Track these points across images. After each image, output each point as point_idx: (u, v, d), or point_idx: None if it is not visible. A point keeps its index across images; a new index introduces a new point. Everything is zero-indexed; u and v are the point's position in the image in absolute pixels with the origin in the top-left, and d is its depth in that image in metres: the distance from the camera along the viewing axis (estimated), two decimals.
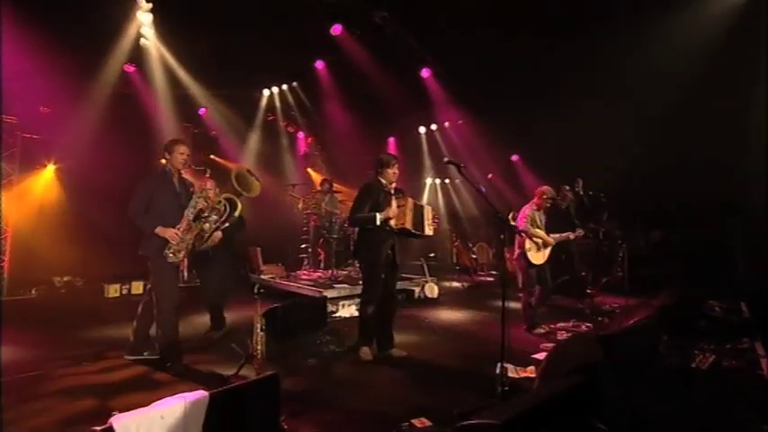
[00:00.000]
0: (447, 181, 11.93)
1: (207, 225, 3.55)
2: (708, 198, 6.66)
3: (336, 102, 8.46)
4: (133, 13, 5.50)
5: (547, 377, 2.56)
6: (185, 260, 6.62)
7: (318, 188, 7.46)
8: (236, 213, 3.83)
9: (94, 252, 6.49)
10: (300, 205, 7.22)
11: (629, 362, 2.75)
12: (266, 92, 8.80)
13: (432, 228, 3.79)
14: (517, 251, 4.66)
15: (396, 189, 3.80)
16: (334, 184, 7.30)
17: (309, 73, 7.86)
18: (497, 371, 2.88)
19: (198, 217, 3.42)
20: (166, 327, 3.32)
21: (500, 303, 2.84)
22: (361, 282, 4.10)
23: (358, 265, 5.48)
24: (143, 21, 5.59)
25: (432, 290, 6.54)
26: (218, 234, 3.77)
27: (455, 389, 3.08)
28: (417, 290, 6.49)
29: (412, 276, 6.81)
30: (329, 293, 5.43)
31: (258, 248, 7.36)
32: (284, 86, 8.66)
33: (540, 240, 4.60)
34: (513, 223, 4.75)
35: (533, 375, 3.16)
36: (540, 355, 3.69)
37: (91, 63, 6.05)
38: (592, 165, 6.46)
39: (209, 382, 2.91)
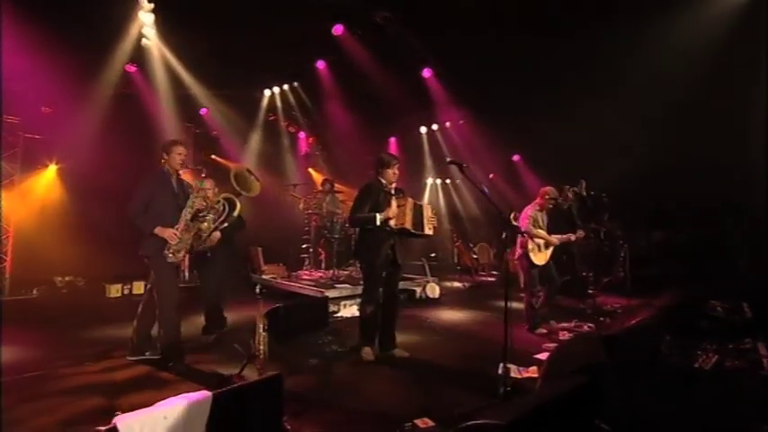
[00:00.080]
0: (448, 181, 11.93)
1: (205, 224, 3.55)
2: (709, 198, 6.66)
3: (337, 102, 8.45)
4: (135, 14, 5.49)
5: (549, 377, 2.56)
6: (186, 260, 6.69)
7: (320, 188, 7.46)
8: (235, 213, 3.80)
9: (96, 252, 6.49)
10: (302, 205, 7.22)
11: (631, 362, 2.74)
12: (267, 92, 8.79)
13: (431, 227, 3.78)
14: (519, 251, 4.66)
15: (396, 189, 3.80)
16: (336, 184, 7.30)
17: (310, 73, 7.85)
18: (500, 371, 2.88)
19: (195, 216, 3.43)
20: (168, 326, 3.33)
21: (501, 303, 2.84)
22: (362, 282, 4.10)
23: (359, 265, 5.48)
24: (145, 21, 5.59)
25: (433, 290, 6.54)
26: (217, 234, 3.76)
27: (457, 389, 3.08)
28: (419, 290, 6.49)
29: (413, 276, 6.81)
30: (331, 293, 5.44)
31: (259, 248, 7.37)
32: (285, 86, 8.65)
33: (541, 241, 4.60)
34: (514, 223, 4.74)
35: (536, 375, 3.16)
36: (542, 356, 3.68)
37: (92, 63, 6.05)
38: (593, 165, 6.45)
39: (211, 381, 2.91)
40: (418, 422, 2.46)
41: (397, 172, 3.74)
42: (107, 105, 6.56)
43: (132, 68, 6.71)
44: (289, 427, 2.31)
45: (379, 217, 3.57)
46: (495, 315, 5.52)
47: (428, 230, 3.76)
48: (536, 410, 1.83)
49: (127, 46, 5.94)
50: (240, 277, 6.99)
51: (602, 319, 4.92)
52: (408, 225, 3.62)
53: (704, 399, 2.84)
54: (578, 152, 7.16)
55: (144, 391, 2.95)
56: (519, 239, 4.67)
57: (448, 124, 9.99)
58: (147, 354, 3.55)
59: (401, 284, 4.68)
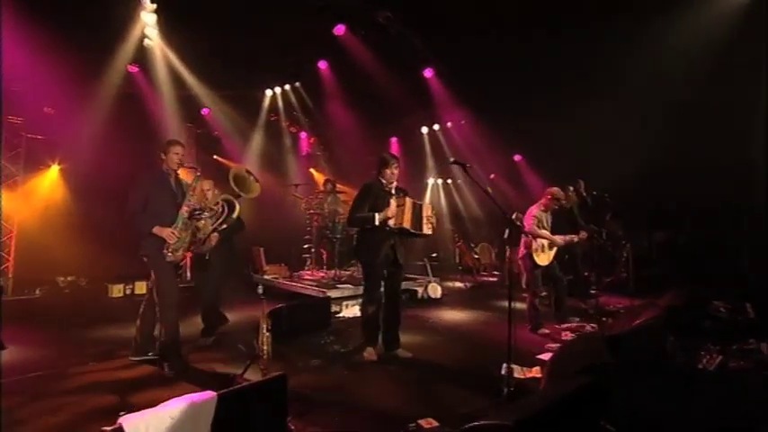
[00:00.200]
0: (449, 181, 11.92)
1: (202, 222, 3.55)
2: (709, 198, 6.66)
3: (339, 102, 8.45)
4: (137, 14, 5.49)
5: (553, 378, 2.55)
6: (188, 260, 6.69)
7: (321, 188, 7.46)
8: (235, 215, 3.80)
9: (98, 252, 6.50)
10: (303, 205, 7.22)
11: (635, 362, 2.74)
12: (269, 92, 8.79)
13: (429, 227, 3.76)
14: (523, 251, 4.66)
15: (397, 189, 3.80)
16: (337, 185, 7.30)
17: (312, 73, 7.85)
18: (503, 371, 2.88)
19: (192, 215, 3.44)
20: (168, 325, 3.34)
21: (503, 304, 2.85)
22: (362, 282, 4.11)
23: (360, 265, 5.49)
24: (147, 21, 5.59)
25: (435, 290, 6.54)
26: (215, 236, 3.75)
27: (460, 389, 3.07)
28: (420, 290, 6.49)
29: (415, 277, 6.82)
30: (332, 294, 5.44)
31: (261, 248, 7.37)
32: (287, 86, 8.65)
33: (545, 241, 4.59)
34: (517, 223, 4.74)
35: (539, 376, 3.16)
36: (545, 356, 3.68)
37: (95, 63, 6.06)
38: (595, 165, 6.46)
39: (215, 382, 2.91)
40: (422, 422, 2.46)
41: (395, 172, 3.74)
42: (109, 106, 6.56)
43: (134, 69, 6.71)
44: (293, 428, 2.31)
45: (377, 217, 3.57)
46: (497, 315, 5.51)
47: (426, 230, 3.75)
48: (541, 411, 1.82)
49: (129, 46, 5.93)
50: (241, 278, 6.99)
51: (604, 319, 4.91)
52: (407, 225, 3.62)
53: (708, 399, 2.83)
54: (579, 152, 7.16)
55: (148, 391, 2.96)
56: (523, 240, 4.66)
57: (449, 124, 9.98)
58: (150, 354, 3.55)
59: (403, 285, 4.68)
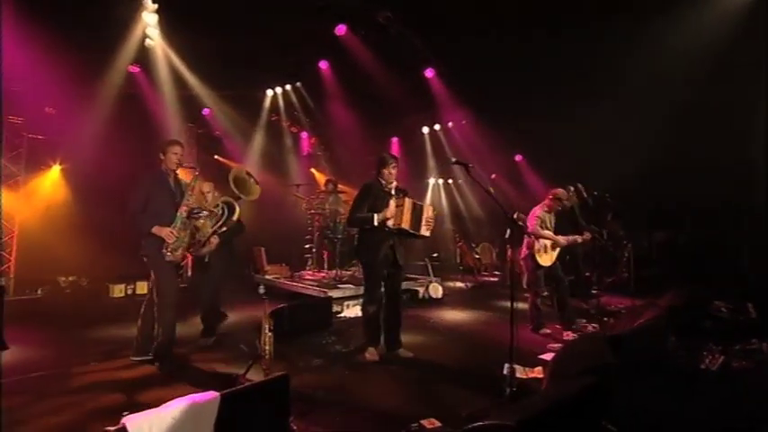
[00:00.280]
0: (450, 181, 11.92)
1: (200, 222, 3.56)
2: (709, 198, 6.65)
3: (340, 102, 8.44)
4: (138, 14, 5.50)
5: (555, 378, 2.55)
6: (189, 261, 6.69)
7: (323, 188, 7.46)
8: (235, 217, 3.81)
9: (99, 252, 6.50)
10: (304, 205, 7.22)
11: (638, 362, 2.74)
12: (270, 92, 8.79)
13: (427, 228, 3.74)
14: (525, 252, 4.66)
15: (398, 189, 3.80)
16: (338, 185, 7.31)
17: (313, 73, 7.86)
18: (505, 371, 2.88)
19: (191, 214, 3.44)
20: (165, 325, 3.36)
21: (504, 303, 2.85)
22: (363, 282, 4.11)
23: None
24: (148, 21, 5.59)
25: (436, 290, 6.55)
26: (215, 238, 3.76)
27: (462, 389, 3.07)
28: (421, 290, 6.49)
29: (416, 277, 6.82)
30: (334, 294, 5.44)
31: (262, 248, 7.37)
32: (288, 87, 8.66)
33: (548, 242, 4.58)
34: (519, 223, 4.74)
35: (541, 376, 3.16)
36: (547, 356, 3.68)
37: (96, 64, 6.05)
38: (595, 165, 6.46)
39: (216, 381, 2.92)
40: (425, 422, 2.46)
41: (393, 171, 3.73)
42: (110, 106, 6.56)
43: (135, 69, 6.71)
44: (295, 428, 2.31)
45: (376, 217, 3.58)
46: (499, 315, 5.51)
47: (424, 231, 3.73)
48: (543, 411, 1.82)
49: (130, 47, 5.93)
50: (242, 278, 7.00)
51: (605, 319, 4.91)
52: (406, 225, 3.61)
53: (711, 399, 2.83)
54: (579, 152, 7.16)
55: (150, 391, 2.96)
56: (525, 240, 4.66)
57: (450, 124, 9.98)
58: (150, 354, 3.54)
59: (404, 285, 4.68)
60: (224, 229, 3.74)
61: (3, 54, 4.75)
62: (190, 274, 7.37)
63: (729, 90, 5.77)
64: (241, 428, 1.96)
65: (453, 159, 3.38)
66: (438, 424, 2.46)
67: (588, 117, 6.76)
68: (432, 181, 11.85)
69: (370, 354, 3.70)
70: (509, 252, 7.57)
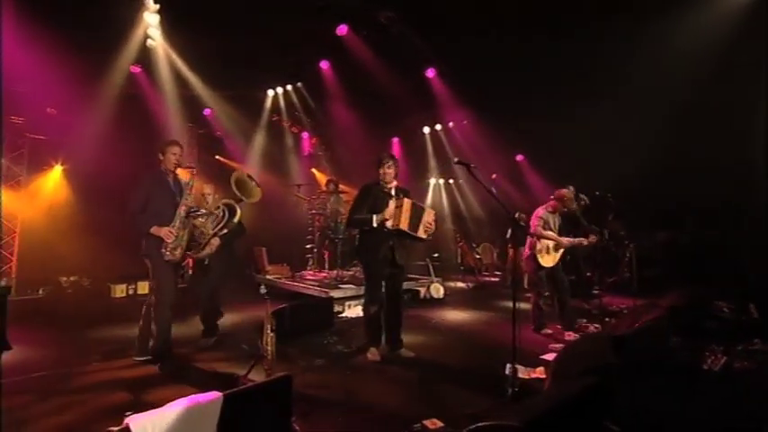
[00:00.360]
0: (451, 181, 11.92)
1: (199, 221, 3.56)
2: (709, 198, 6.64)
3: (340, 102, 8.44)
4: (140, 15, 5.50)
5: (557, 378, 2.55)
6: (191, 261, 6.70)
7: (324, 188, 7.47)
8: (236, 220, 3.82)
9: (101, 252, 6.52)
10: (306, 205, 7.22)
11: (640, 363, 2.74)
12: (271, 92, 8.80)
13: (426, 232, 3.72)
14: (527, 252, 4.65)
15: (398, 189, 3.80)
16: (340, 185, 7.31)
17: (314, 73, 7.86)
18: (507, 371, 2.88)
19: (189, 213, 3.45)
20: (161, 324, 3.37)
21: (505, 303, 2.85)
22: (364, 282, 4.11)
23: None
24: (150, 22, 5.60)
25: (437, 290, 6.55)
26: (216, 240, 3.77)
27: (464, 389, 3.07)
28: (423, 290, 6.49)
29: (417, 277, 6.82)
30: (335, 294, 5.44)
31: (263, 248, 7.38)
32: (289, 87, 8.66)
33: (550, 243, 4.57)
34: (521, 224, 4.74)
35: (543, 376, 3.16)
36: (549, 356, 3.68)
37: (97, 64, 6.07)
38: (595, 165, 6.45)
39: (218, 382, 2.92)
40: (427, 423, 2.46)
41: (388, 171, 3.72)
42: (112, 106, 6.57)
43: (137, 69, 6.72)
44: (297, 428, 2.31)
45: (375, 218, 3.58)
46: (500, 315, 5.52)
47: (422, 234, 3.71)
48: (546, 412, 1.82)
49: (132, 47, 5.94)
50: (242, 278, 7.00)
51: (607, 319, 4.91)
52: (404, 226, 3.59)
53: (713, 400, 2.83)
54: (579, 152, 7.16)
55: (153, 391, 2.96)
56: (528, 240, 4.66)
57: (451, 124, 9.98)
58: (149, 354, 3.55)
59: (405, 285, 4.68)
60: (225, 230, 3.75)
61: (4, 54, 4.76)
62: (191, 274, 7.38)
63: (729, 90, 5.77)
64: (244, 429, 1.96)
65: (456, 159, 3.36)
66: (440, 424, 2.45)
67: (588, 117, 6.76)
68: (433, 181, 11.85)
69: (372, 354, 3.70)
70: (510, 252, 7.58)
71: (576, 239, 4.67)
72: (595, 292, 5.80)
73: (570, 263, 5.99)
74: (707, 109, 6.00)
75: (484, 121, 8.95)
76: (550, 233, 4.58)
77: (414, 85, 7.76)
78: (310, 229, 7.26)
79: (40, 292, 6.53)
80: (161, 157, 3.50)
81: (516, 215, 5.33)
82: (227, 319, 4.66)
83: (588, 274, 6.41)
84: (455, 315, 5.64)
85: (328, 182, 7.49)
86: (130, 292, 6.66)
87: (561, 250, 4.62)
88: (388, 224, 3.59)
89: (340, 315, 5.35)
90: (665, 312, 3.45)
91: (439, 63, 7.66)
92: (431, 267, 6.96)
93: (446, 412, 2.60)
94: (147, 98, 7.02)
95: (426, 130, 10.32)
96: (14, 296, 6.22)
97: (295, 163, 10.10)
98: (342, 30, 6.47)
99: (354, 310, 5.45)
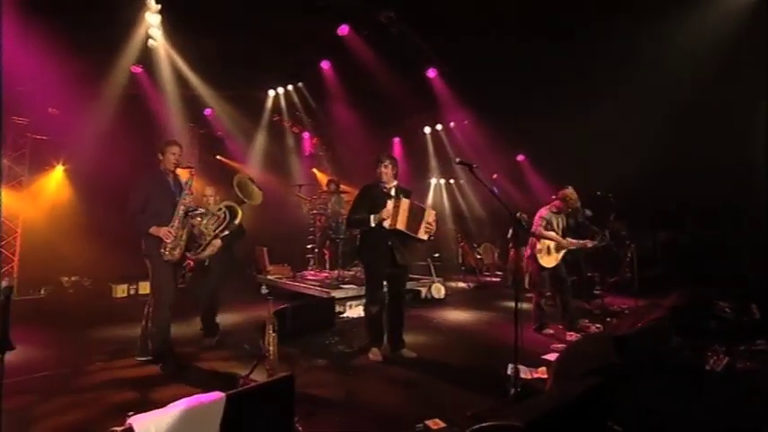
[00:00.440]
0: (452, 181, 11.92)
1: (197, 220, 3.57)
2: (709, 198, 6.64)
3: (342, 102, 8.44)
4: (142, 15, 5.51)
5: (559, 378, 2.55)
6: (191, 262, 6.70)
7: (325, 188, 7.47)
8: (236, 221, 3.83)
9: (103, 252, 6.52)
10: (307, 205, 7.22)
11: (642, 363, 2.73)
12: (272, 92, 8.80)
13: (425, 233, 3.71)
14: (528, 252, 4.65)
15: (399, 189, 3.79)
16: (341, 185, 7.31)
17: (315, 73, 7.86)
18: (509, 372, 2.87)
19: (188, 213, 3.46)
20: (159, 324, 3.37)
21: (507, 304, 2.85)
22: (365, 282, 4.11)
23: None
24: (151, 22, 5.60)
25: (438, 290, 6.55)
26: (217, 242, 3.77)
27: (466, 389, 3.07)
28: (424, 290, 6.49)
29: (419, 277, 6.82)
30: (336, 294, 5.44)
31: (264, 249, 7.38)
32: (289, 87, 8.66)
33: (552, 243, 4.56)
34: (522, 223, 4.73)
35: (545, 376, 3.15)
36: (551, 356, 3.68)
37: (99, 64, 6.08)
38: (595, 165, 6.45)
39: (220, 382, 2.92)
40: (430, 423, 2.46)
41: (384, 170, 3.73)
42: (113, 106, 6.58)
43: (138, 69, 6.73)
44: (300, 429, 2.31)
45: (373, 218, 3.58)
46: (501, 315, 5.51)
47: (422, 235, 3.70)
48: (549, 412, 1.82)
49: (133, 47, 5.95)
50: (243, 279, 7.00)
51: (609, 319, 4.90)
52: (401, 226, 3.59)
53: (715, 400, 2.83)
54: (579, 152, 7.15)
55: (155, 391, 2.97)
56: (530, 240, 4.65)
57: (452, 124, 9.97)
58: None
59: (407, 285, 4.67)
60: (226, 232, 3.76)
61: (6, 55, 4.76)
62: (190, 274, 7.39)
63: (730, 90, 5.77)
64: (246, 429, 1.96)
65: (457, 159, 3.35)
66: (443, 424, 2.45)
67: (588, 117, 6.75)
68: (434, 181, 11.85)
69: (374, 354, 3.70)
70: (511, 252, 7.58)
71: (582, 241, 4.66)
72: (597, 292, 5.80)
73: (572, 263, 5.98)
74: (707, 109, 6.00)
75: (484, 121, 8.95)
76: (551, 233, 4.57)
77: (414, 86, 7.76)
78: (311, 229, 7.26)
79: (42, 292, 6.54)
80: (160, 157, 3.50)
81: (518, 215, 5.33)
82: (229, 319, 4.68)
83: (590, 274, 6.40)
84: (456, 315, 5.64)
85: (329, 182, 7.50)
86: (132, 292, 6.67)
87: (563, 251, 4.61)
88: (386, 224, 3.59)
89: (341, 315, 5.35)
90: (667, 312, 3.45)
91: (439, 63, 7.66)
92: (432, 267, 6.96)
93: (448, 413, 2.59)
94: (148, 98, 7.03)
95: (427, 130, 10.32)
96: (16, 296, 6.24)
97: (296, 163, 10.10)
98: (342, 30, 6.47)
99: (356, 311, 5.45)
